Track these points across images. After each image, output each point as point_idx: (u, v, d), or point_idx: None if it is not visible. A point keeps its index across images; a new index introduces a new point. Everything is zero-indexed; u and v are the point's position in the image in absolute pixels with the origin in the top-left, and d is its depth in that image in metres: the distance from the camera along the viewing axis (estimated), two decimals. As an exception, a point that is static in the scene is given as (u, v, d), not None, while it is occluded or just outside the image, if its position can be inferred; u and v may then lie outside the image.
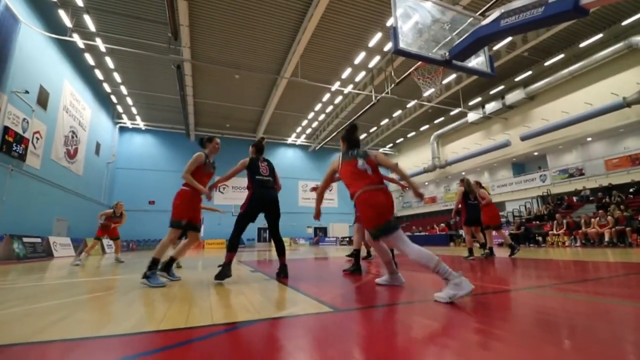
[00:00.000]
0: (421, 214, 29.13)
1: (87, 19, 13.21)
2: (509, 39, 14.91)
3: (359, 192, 2.63)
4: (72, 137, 16.41)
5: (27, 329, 1.67)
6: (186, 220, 3.57)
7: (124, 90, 19.69)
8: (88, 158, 18.57)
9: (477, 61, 4.77)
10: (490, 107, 21.20)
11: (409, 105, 22.45)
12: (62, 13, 12.59)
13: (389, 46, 15.27)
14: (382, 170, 2.81)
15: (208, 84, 19.68)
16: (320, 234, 29.90)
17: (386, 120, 25.49)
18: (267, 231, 4.07)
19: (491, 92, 21.04)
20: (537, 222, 15.75)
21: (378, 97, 17.37)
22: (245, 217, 3.57)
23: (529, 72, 18.72)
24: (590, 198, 15.37)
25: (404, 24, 4.15)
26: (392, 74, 16.17)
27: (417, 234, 21.47)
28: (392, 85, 16.61)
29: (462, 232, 18.25)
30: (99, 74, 17.64)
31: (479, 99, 21.78)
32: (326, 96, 20.95)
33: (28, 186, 12.55)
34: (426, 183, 29.22)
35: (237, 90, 20.61)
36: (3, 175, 11.11)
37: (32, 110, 12.48)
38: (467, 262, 5.71)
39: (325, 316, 1.88)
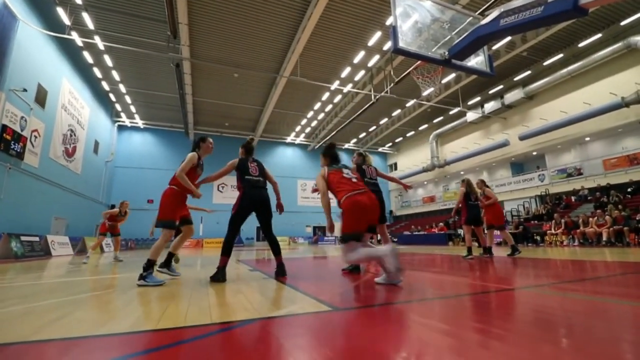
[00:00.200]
0: (420, 213, 29.18)
1: (86, 16, 13.15)
2: (508, 38, 14.92)
3: (346, 199, 3.04)
4: (71, 135, 16.35)
5: (25, 328, 1.67)
6: (179, 219, 3.65)
7: (122, 88, 19.63)
8: (86, 156, 18.51)
9: (476, 60, 4.78)
10: (489, 106, 21.23)
11: (408, 105, 22.46)
12: (60, 11, 12.54)
13: (388, 45, 15.27)
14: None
15: (207, 82, 19.64)
16: (319, 233, 29.89)
17: (385, 120, 25.50)
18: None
19: (490, 92, 21.07)
20: (536, 221, 15.79)
21: (377, 96, 17.36)
22: (237, 217, 3.58)
23: (528, 72, 18.74)
24: (589, 198, 15.42)
25: (403, 23, 4.16)
26: (392, 73, 16.17)
27: (416, 233, 21.49)
28: (392, 85, 16.61)
29: (460, 231, 18.30)
30: (97, 72, 17.57)
31: (478, 98, 21.81)
32: (325, 95, 20.93)
33: (26, 184, 12.52)
34: (425, 182, 29.27)
35: (236, 89, 20.57)
36: (1, 173, 11.07)
37: (30, 109, 12.43)
38: (465, 261, 5.72)
39: (324, 315, 1.88)
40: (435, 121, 25.93)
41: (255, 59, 17.13)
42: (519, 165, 22.60)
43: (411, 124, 26.34)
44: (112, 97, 21.14)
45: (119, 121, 24.48)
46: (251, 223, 3.70)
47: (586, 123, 16.48)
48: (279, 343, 1.43)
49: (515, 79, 19.37)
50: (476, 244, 8.65)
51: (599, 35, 15.31)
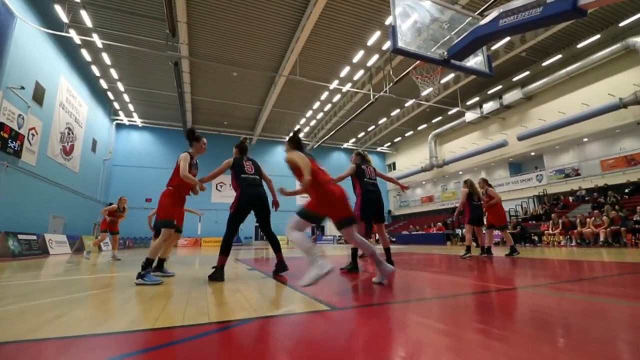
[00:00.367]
0: (418, 213, 29.22)
1: (84, 14, 13.08)
2: (507, 38, 14.94)
3: (328, 186, 3.00)
4: (69, 133, 16.29)
5: (23, 327, 1.66)
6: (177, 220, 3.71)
7: (120, 86, 19.54)
8: (84, 155, 18.45)
9: (475, 61, 4.78)
10: (488, 106, 21.27)
11: (407, 105, 22.47)
12: (58, 8, 12.48)
13: (387, 45, 15.26)
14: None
15: (206, 81, 19.59)
16: (318, 232, 29.90)
17: (384, 119, 25.50)
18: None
19: (489, 92, 21.10)
20: (534, 221, 15.84)
21: (376, 96, 17.36)
22: (236, 216, 3.59)
23: (527, 72, 18.78)
24: (586, 198, 15.48)
25: (402, 23, 4.15)
26: (391, 72, 16.17)
27: (414, 232, 21.52)
28: (391, 84, 16.61)
29: (459, 231, 18.35)
30: (95, 70, 17.49)
31: (477, 98, 21.84)
32: (324, 94, 20.91)
33: (23, 183, 12.46)
34: (423, 182, 29.30)
35: (235, 87, 20.53)
36: (-2, 171, 11.03)
37: (27, 107, 12.38)
38: (463, 261, 5.73)
39: (323, 314, 1.88)
40: (434, 121, 25.96)
41: (254, 58, 17.10)
42: (517, 166, 22.66)
43: (410, 123, 26.36)
44: (110, 95, 21.05)
45: (117, 119, 24.39)
46: (249, 222, 3.70)
47: (584, 124, 16.53)
48: (277, 342, 1.43)
49: (514, 79, 19.41)
50: (474, 244, 8.67)
51: (598, 36, 15.35)
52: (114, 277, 4.21)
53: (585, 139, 17.61)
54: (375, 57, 16.75)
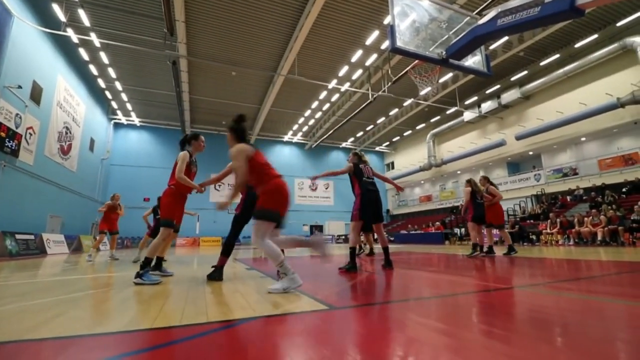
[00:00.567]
0: (417, 212, 29.27)
1: (82, 13, 13.04)
2: (505, 38, 14.99)
3: (275, 179, 2.80)
4: (66, 133, 16.23)
5: (20, 327, 1.66)
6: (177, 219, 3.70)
7: (118, 86, 19.49)
8: (82, 154, 18.39)
9: (473, 60, 4.79)
10: (486, 106, 21.31)
11: (405, 104, 22.49)
12: (56, 7, 12.43)
13: (386, 44, 15.26)
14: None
15: (204, 80, 19.55)
16: (317, 232, 29.89)
17: (383, 119, 25.52)
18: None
19: (487, 92, 21.15)
20: (532, 221, 15.88)
21: (375, 96, 17.37)
22: (242, 217, 3.60)
23: (525, 72, 18.83)
24: (584, 197, 15.53)
25: (401, 22, 4.16)
26: (389, 72, 16.18)
27: (413, 232, 21.55)
28: (389, 84, 16.62)
29: (457, 230, 18.39)
30: (93, 69, 17.44)
31: (475, 98, 21.88)
32: (323, 94, 20.90)
33: (21, 182, 12.41)
34: (422, 182, 29.34)
35: (234, 87, 20.50)
36: (-5, 171, 10.99)
37: (25, 106, 12.32)
38: (462, 260, 5.74)
39: (321, 314, 1.88)
40: (432, 120, 26.01)
41: (253, 57, 17.07)
42: (515, 165, 22.71)
43: (408, 123, 26.39)
44: (108, 94, 20.99)
45: (115, 119, 24.32)
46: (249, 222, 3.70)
47: (582, 123, 16.59)
48: (276, 342, 1.43)
49: (512, 79, 19.47)
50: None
51: (595, 36, 15.40)
52: (112, 277, 4.20)
53: (583, 139, 17.67)
54: (374, 56, 16.75)
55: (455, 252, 8.77)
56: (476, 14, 4.73)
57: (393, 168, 32.45)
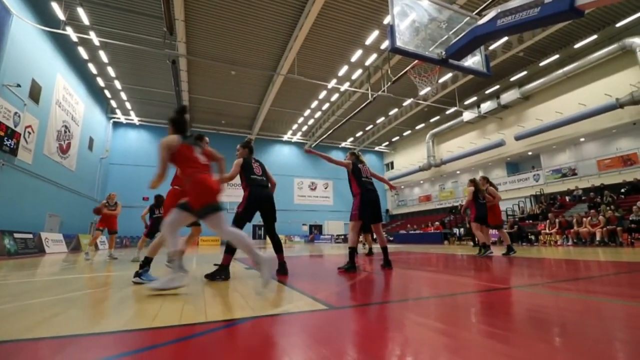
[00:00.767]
0: (416, 212, 29.29)
1: (81, 11, 13.00)
2: (505, 38, 15.00)
3: (195, 174, 2.65)
4: (65, 131, 16.20)
5: (19, 326, 1.65)
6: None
7: (118, 84, 19.45)
8: (81, 153, 18.35)
9: (473, 60, 4.79)
10: (486, 106, 21.34)
11: (405, 104, 22.50)
12: (55, 6, 12.39)
13: (385, 44, 15.26)
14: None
15: (204, 79, 19.53)
16: (316, 231, 29.91)
17: (382, 119, 25.53)
18: (263, 229, 4.10)
19: (486, 92, 21.17)
20: (530, 221, 15.91)
21: (374, 95, 17.37)
22: (243, 215, 3.60)
23: (524, 72, 18.86)
24: (583, 198, 15.56)
25: (401, 22, 4.16)
26: (389, 72, 16.18)
27: (412, 232, 21.57)
28: (389, 84, 16.62)
29: (456, 230, 18.41)
30: (92, 68, 17.39)
31: (475, 98, 21.90)
32: (322, 93, 20.89)
33: (20, 181, 12.39)
34: (421, 181, 29.37)
35: (233, 86, 20.48)
36: (-6, 169, 10.96)
37: (24, 104, 12.29)
38: (461, 260, 5.74)
39: (320, 314, 1.88)
40: (431, 120, 26.02)
41: (253, 57, 17.06)
42: (514, 165, 22.74)
43: (408, 123, 26.40)
44: (107, 93, 20.95)
45: (114, 118, 24.27)
46: (249, 222, 3.70)
47: (581, 124, 16.62)
48: (274, 342, 1.43)
49: (512, 79, 19.48)
50: (471, 244, 8.70)
51: (595, 36, 15.43)
52: (110, 276, 4.19)
53: (582, 139, 17.70)
54: (374, 56, 16.75)
55: (454, 252, 8.78)
56: (476, 14, 4.74)
57: (392, 168, 32.47)
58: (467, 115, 22.72)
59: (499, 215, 7.06)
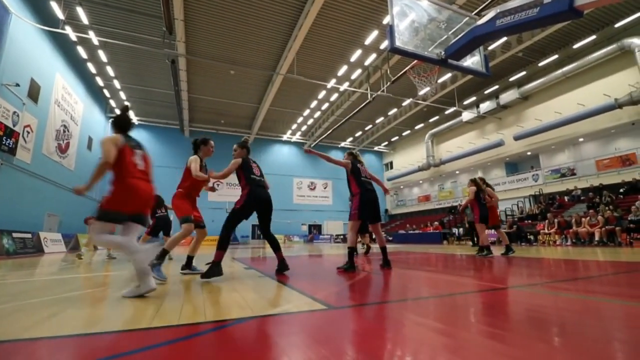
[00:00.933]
0: (415, 212, 29.31)
1: (80, 11, 12.98)
2: (504, 39, 15.01)
3: (127, 178, 2.61)
4: (64, 131, 16.17)
5: (17, 326, 1.65)
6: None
7: (117, 84, 19.42)
8: (80, 153, 18.31)
9: (472, 61, 4.80)
10: (485, 106, 21.36)
11: (404, 104, 22.51)
12: (54, 5, 12.35)
13: (385, 44, 15.27)
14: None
15: (203, 79, 19.51)
16: (315, 231, 29.90)
17: (381, 119, 25.53)
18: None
19: (486, 92, 21.18)
20: (529, 221, 15.92)
21: (374, 95, 17.37)
22: (240, 213, 3.60)
23: (523, 73, 18.87)
24: (582, 198, 15.58)
25: (400, 22, 4.16)
26: (388, 72, 16.17)
27: (411, 232, 21.59)
28: (388, 84, 16.62)
29: (455, 230, 18.43)
30: (91, 67, 17.36)
31: (474, 98, 21.92)
32: (322, 93, 20.88)
33: (18, 181, 12.36)
34: (420, 181, 29.38)
35: (233, 86, 20.47)
36: (-7, 169, 10.93)
37: (22, 104, 12.26)
38: (460, 260, 5.75)
39: (319, 314, 1.88)
40: (431, 120, 26.03)
41: (252, 56, 17.05)
42: (513, 165, 22.77)
43: (407, 123, 26.41)
44: (106, 92, 20.90)
45: (114, 117, 24.23)
46: (247, 221, 3.71)
47: (580, 124, 16.64)
48: (273, 341, 1.43)
49: (511, 79, 19.50)
50: (470, 243, 8.71)
51: (594, 37, 15.45)
52: (109, 276, 4.19)
53: (581, 139, 17.73)
54: (373, 56, 16.75)
55: (453, 252, 8.79)
56: (475, 14, 4.74)
57: (392, 168, 32.48)
58: (466, 115, 22.73)
59: (496, 216, 7.12)
